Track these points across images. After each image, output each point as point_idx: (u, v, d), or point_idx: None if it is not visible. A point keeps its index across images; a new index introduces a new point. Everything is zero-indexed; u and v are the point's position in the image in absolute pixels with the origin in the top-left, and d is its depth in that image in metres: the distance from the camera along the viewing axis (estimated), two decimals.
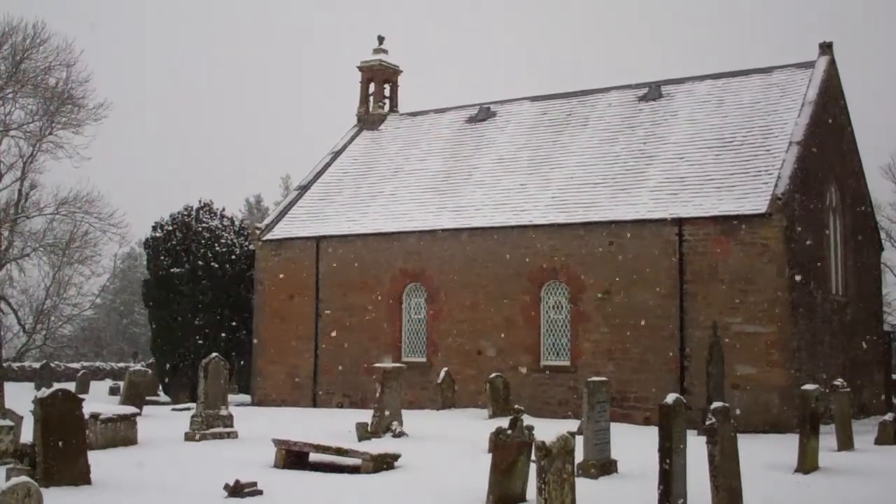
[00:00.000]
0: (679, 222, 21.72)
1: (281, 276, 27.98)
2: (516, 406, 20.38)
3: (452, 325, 24.83)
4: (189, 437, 16.89)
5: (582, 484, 10.65)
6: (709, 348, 19.30)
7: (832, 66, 24.91)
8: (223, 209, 33.03)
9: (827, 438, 15.59)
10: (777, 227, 20.72)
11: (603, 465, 12.86)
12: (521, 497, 10.67)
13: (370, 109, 32.62)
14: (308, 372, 27.13)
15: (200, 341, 29.59)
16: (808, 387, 14.51)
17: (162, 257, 30.80)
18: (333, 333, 26.71)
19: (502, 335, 23.91)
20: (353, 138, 32.07)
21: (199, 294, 30.18)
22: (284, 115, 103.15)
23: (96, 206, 41.98)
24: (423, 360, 25.14)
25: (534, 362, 23.38)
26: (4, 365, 34.08)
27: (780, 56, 67.65)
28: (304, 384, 27.14)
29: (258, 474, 12.05)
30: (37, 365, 40.24)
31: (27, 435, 13.03)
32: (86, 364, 45.81)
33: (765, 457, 14.53)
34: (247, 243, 30.99)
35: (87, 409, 13.42)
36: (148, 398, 24.17)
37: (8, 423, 14.11)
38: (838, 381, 17.96)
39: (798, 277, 21.06)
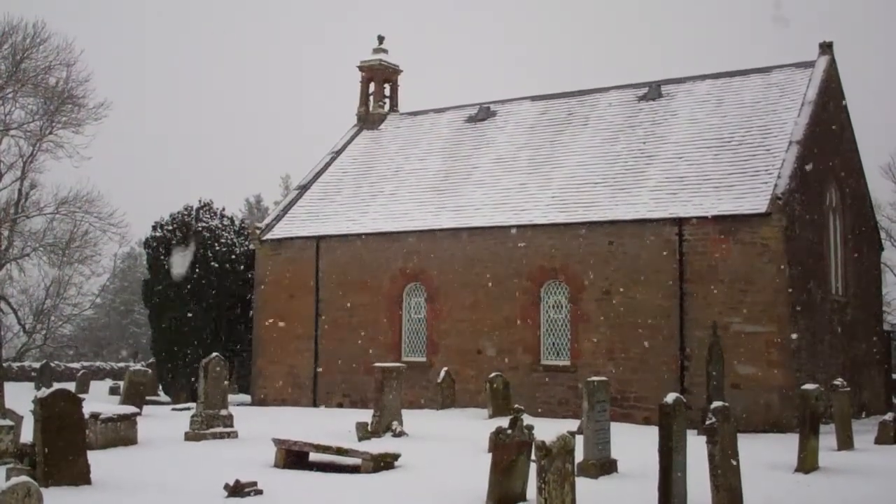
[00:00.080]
0: (679, 222, 21.72)
1: (281, 275, 27.98)
2: (516, 406, 20.34)
3: (452, 324, 24.83)
4: (189, 437, 16.89)
5: (582, 483, 10.65)
6: (709, 348, 19.30)
7: (832, 66, 24.91)
8: (223, 209, 33.04)
9: (827, 438, 15.59)
10: (777, 227, 20.72)
11: (603, 465, 12.86)
12: (521, 496, 10.67)
13: (370, 109, 32.61)
14: (308, 372, 27.13)
15: (200, 341, 29.59)
16: (808, 386, 14.51)
17: (162, 257, 30.81)
18: (333, 333, 26.72)
19: (502, 335, 23.92)
20: (352, 138, 32.07)
21: (199, 294, 30.18)
22: (284, 115, 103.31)
23: (96, 206, 42.02)
24: (423, 359, 25.14)
25: (534, 362, 23.39)
26: (4, 365, 34.12)
27: (780, 56, 67.56)
28: (304, 384, 27.14)
29: (258, 474, 12.05)
30: (37, 365, 40.27)
31: (27, 435, 13.04)
32: (86, 364, 45.87)
33: (765, 456, 14.53)
34: (247, 243, 30.98)
35: (87, 408, 13.43)
36: (148, 398, 24.17)
37: (8, 423, 14.12)
38: (838, 381, 17.97)
39: (796, 274, 21.07)
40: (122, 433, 15.71)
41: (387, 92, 33.21)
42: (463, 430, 17.85)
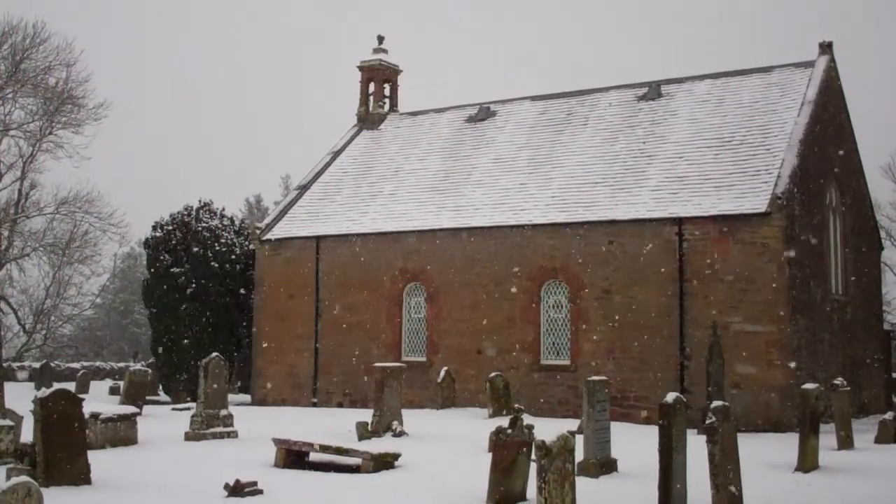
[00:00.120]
0: (679, 222, 21.73)
1: (281, 275, 27.98)
2: (516, 405, 20.42)
3: (452, 324, 24.84)
4: (189, 437, 16.89)
5: (582, 483, 10.65)
6: (709, 348, 19.31)
7: (832, 66, 24.92)
8: (223, 209, 33.02)
9: (827, 437, 15.59)
10: (777, 227, 20.72)
11: (603, 464, 12.87)
12: (521, 496, 10.67)
13: (370, 109, 32.61)
14: (308, 372, 27.13)
15: (200, 341, 29.58)
16: (808, 386, 14.52)
17: (162, 257, 30.80)
18: (333, 333, 26.72)
19: (502, 335, 23.92)
20: (352, 138, 32.07)
21: (200, 294, 30.17)
22: (284, 115, 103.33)
23: (96, 206, 42.04)
24: (423, 359, 25.14)
25: (534, 362, 23.39)
26: (5, 365, 34.13)
27: (780, 56, 67.72)
28: (304, 384, 27.14)
29: (258, 474, 12.05)
30: (36, 365, 40.25)
31: (27, 435, 13.04)
32: (86, 364, 45.83)
33: (765, 456, 14.53)
34: (247, 243, 30.98)
35: (87, 408, 13.42)
36: (148, 398, 24.18)
37: (8, 422, 14.12)
38: (838, 380, 17.97)
39: (796, 274, 21.07)
40: (122, 433, 15.72)
41: (387, 92, 33.21)
42: (463, 429, 17.85)
